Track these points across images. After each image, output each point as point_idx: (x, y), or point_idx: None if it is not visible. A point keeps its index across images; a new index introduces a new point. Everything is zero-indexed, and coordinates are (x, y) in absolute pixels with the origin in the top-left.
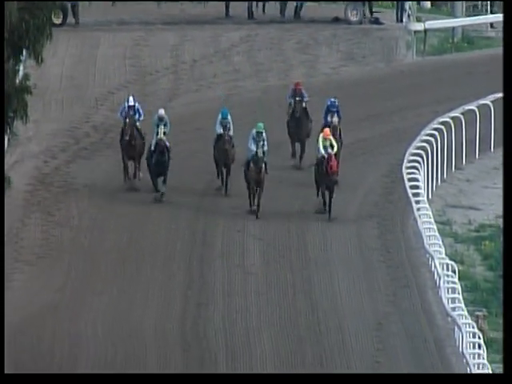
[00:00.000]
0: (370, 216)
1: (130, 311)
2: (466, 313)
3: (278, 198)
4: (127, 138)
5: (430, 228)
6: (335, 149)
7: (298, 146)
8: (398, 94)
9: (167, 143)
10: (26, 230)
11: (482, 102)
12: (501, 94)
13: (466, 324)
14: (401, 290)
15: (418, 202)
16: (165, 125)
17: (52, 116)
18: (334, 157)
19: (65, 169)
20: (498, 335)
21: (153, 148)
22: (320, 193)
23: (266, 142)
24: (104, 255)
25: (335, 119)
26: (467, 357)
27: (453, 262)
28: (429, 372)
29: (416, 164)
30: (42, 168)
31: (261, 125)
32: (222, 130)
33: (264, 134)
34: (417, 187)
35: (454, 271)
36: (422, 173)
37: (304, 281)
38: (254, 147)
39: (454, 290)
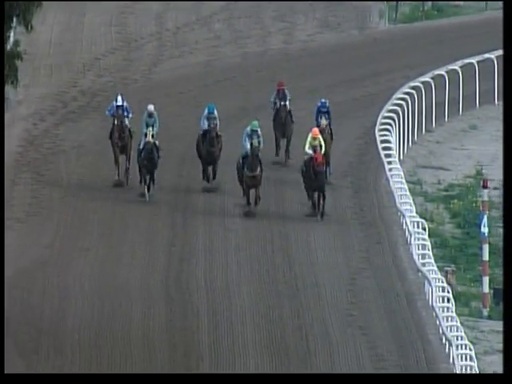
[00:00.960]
0: (344, 176)
1: (116, 267)
2: (435, 268)
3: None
4: (117, 140)
5: (401, 187)
6: (323, 149)
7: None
8: (371, 60)
9: (156, 142)
10: (17, 189)
11: (450, 67)
12: (468, 60)
13: (435, 279)
14: (373, 247)
15: (390, 163)
16: (153, 125)
17: (41, 81)
18: (319, 152)
19: (53, 131)
20: (466, 289)
21: (141, 147)
22: (310, 196)
23: (261, 139)
24: (91, 213)
25: (324, 121)
26: (436, 310)
27: (423, 220)
28: (400, 325)
29: (388, 127)
30: (31, 130)
31: (255, 123)
32: (207, 126)
33: (259, 132)
34: (389, 149)
35: (424, 229)
36: (393, 135)
37: (282, 238)
38: (248, 144)
39: (424, 247)
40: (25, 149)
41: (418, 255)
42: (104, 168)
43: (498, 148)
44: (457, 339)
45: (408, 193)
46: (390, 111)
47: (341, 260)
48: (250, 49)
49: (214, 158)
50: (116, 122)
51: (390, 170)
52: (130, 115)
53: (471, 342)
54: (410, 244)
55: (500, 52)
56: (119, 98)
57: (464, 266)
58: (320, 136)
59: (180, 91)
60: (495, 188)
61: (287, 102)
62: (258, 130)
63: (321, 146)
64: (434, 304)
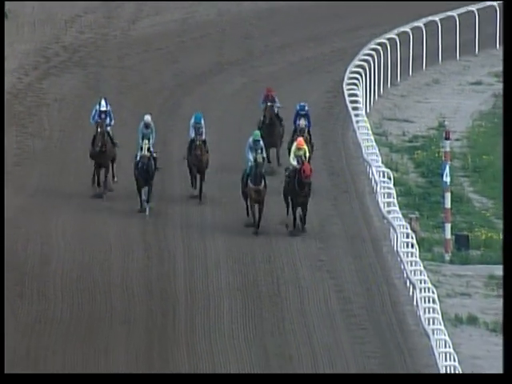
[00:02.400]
0: (313, 127)
1: (96, 215)
2: (400, 215)
3: None
4: (98, 148)
5: (367, 139)
6: (307, 155)
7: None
8: (340, 18)
9: (153, 154)
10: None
11: (415, 24)
12: (432, 17)
13: (400, 225)
14: (341, 195)
15: (357, 116)
16: (149, 139)
17: (25, 37)
18: (307, 162)
19: (37, 85)
20: (429, 235)
21: (138, 159)
22: (290, 210)
23: (264, 151)
24: (73, 163)
25: (302, 122)
26: (401, 255)
27: (388, 170)
28: (366, 269)
29: (355, 81)
30: (16, 84)
31: (257, 133)
32: (194, 135)
33: (261, 142)
34: (356, 102)
35: (389, 178)
36: (360, 89)
37: None
38: (251, 156)
39: (389, 195)
40: (9, 102)
41: (384, 203)
42: (85, 120)
43: (459, 101)
44: (420, 283)
45: (374, 144)
46: (358, 66)
47: (310, 207)
48: (225, 7)
49: (200, 161)
50: (99, 130)
51: (357, 122)
52: (112, 122)
53: (434, 285)
54: (376, 192)
55: (461, 10)
56: (103, 102)
57: (427, 213)
58: (305, 146)
59: (158, 47)
60: (457, 139)
61: (276, 104)
62: (261, 141)
63: (306, 156)
64: (399, 249)
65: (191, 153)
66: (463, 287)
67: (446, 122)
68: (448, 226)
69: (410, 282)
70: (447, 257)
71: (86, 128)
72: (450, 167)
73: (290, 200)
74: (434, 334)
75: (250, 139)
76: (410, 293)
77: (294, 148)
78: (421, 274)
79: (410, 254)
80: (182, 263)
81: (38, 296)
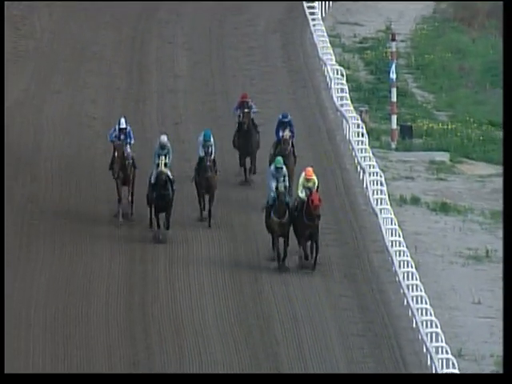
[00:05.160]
0: (274, 31)
1: (82, 106)
2: (351, 108)
3: None
4: (116, 175)
5: (323, 40)
6: (316, 184)
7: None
8: None
9: (170, 174)
10: None
11: None
12: None
13: (351, 117)
14: (300, 90)
15: (313, 20)
16: (166, 155)
17: None
18: (315, 191)
19: None
20: (377, 126)
21: (153, 181)
22: (302, 243)
23: (287, 179)
24: (62, 61)
25: (287, 133)
26: (353, 143)
27: (341, 68)
28: (321, 156)
29: None
30: None
31: (280, 159)
32: (203, 153)
33: (284, 170)
34: (313, 7)
35: (342, 75)
36: None
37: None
38: (273, 185)
39: (342, 90)
40: (7, 7)
41: (337, 97)
42: (75, 20)
43: (405, 5)
44: (369, 167)
45: (329, 45)
46: None
47: (272, 103)
48: None
49: (210, 184)
50: (117, 153)
51: (314, 25)
52: (132, 141)
53: (381, 169)
54: (331, 88)
55: None
56: (122, 120)
57: (375, 106)
58: (314, 176)
59: None
60: (402, 41)
61: (253, 110)
62: (284, 167)
63: (315, 186)
64: (351, 138)
65: (200, 174)
66: (407, 171)
67: (392, 25)
68: (394, 118)
69: (361, 167)
70: (393, 145)
71: (76, 31)
72: (395, 65)
73: (299, 233)
74: (381, 212)
75: (272, 167)
76: (361, 177)
77: (301, 180)
78: (370, 160)
79: (360, 143)
80: None
81: (31, 178)
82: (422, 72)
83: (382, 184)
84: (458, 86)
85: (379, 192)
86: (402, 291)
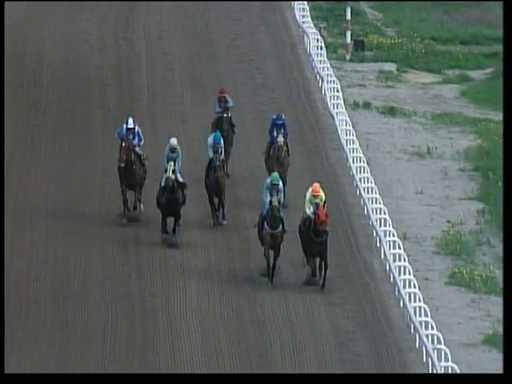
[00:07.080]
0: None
1: (79, 26)
2: (311, 25)
3: None
4: (123, 164)
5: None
6: (323, 200)
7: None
8: None
9: (179, 178)
10: None
11: None
12: None
13: (312, 33)
14: (267, 11)
15: None
16: (175, 160)
17: None
18: (322, 206)
19: None
20: (334, 40)
21: (163, 184)
22: (309, 260)
23: (282, 194)
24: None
25: (281, 138)
26: (312, 56)
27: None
28: (284, 65)
29: None
30: None
31: (276, 176)
32: (213, 154)
33: (280, 186)
34: None
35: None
36: None
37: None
38: (268, 198)
39: (303, 10)
40: None
41: (300, 15)
42: None
43: None
44: (327, 76)
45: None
46: None
47: (243, 22)
48: None
49: (220, 185)
50: (123, 148)
51: None
52: (142, 142)
53: (338, 78)
54: (294, 8)
55: None
56: (130, 120)
57: (333, 23)
58: (321, 192)
59: None
60: None
61: (229, 104)
62: (280, 183)
63: (322, 200)
64: (311, 51)
65: (210, 174)
66: (360, 80)
67: None
68: (348, 33)
69: (320, 76)
70: (348, 57)
71: None
72: None
73: (306, 250)
74: (337, 115)
75: (268, 181)
76: (320, 84)
77: (308, 196)
78: (327, 70)
79: (319, 55)
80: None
81: (34, 84)
82: None
83: (338, 91)
84: (404, 6)
85: (336, 97)
86: (355, 183)
